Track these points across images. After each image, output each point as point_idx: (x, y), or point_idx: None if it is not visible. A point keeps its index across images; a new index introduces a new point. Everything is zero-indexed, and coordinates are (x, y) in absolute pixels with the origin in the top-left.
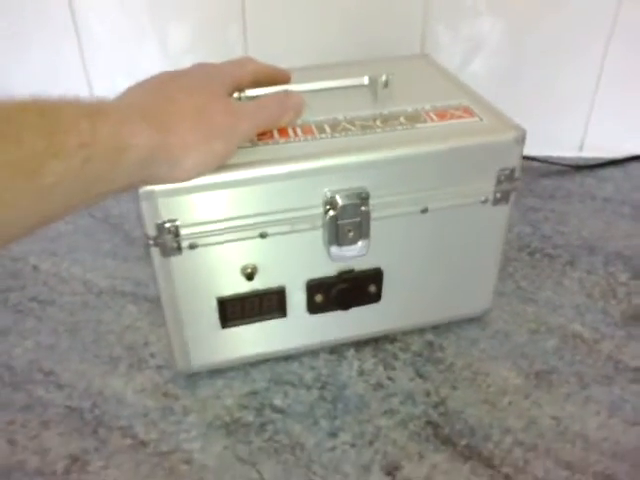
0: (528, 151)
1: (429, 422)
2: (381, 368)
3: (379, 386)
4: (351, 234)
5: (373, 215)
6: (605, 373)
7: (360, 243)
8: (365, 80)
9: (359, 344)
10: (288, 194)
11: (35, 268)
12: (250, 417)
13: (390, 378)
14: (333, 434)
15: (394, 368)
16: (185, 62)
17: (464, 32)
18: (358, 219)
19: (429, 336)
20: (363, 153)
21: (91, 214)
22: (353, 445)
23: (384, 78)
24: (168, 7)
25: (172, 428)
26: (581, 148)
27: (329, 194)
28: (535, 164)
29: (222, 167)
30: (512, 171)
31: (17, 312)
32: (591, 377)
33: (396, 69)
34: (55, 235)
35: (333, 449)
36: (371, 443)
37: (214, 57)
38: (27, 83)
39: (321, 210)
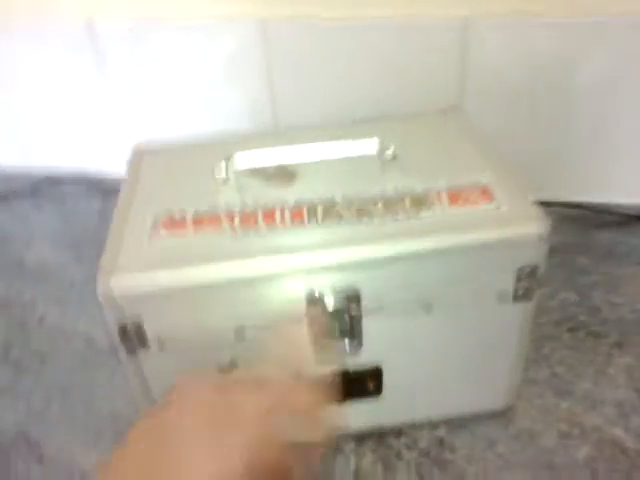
0: (581, 198)
1: None
2: (380, 469)
3: None
4: (339, 337)
5: (368, 313)
6: None
7: (349, 346)
8: (374, 149)
9: (361, 437)
10: (267, 294)
11: (41, 320)
12: None
13: None
14: None
15: (395, 470)
16: None
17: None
18: (347, 322)
19: (441, 431)
20: (354, 249)
21: None
22: None
23: (392, 150)
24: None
25: None
26: None
27: (315, 294)
28: (589, 214)
29: (190, 262)
30: (534, 269)
31: (17, 368)
32: None
33: (416, 131)
34: (69, 282)
35: None
36: None
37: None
38: None
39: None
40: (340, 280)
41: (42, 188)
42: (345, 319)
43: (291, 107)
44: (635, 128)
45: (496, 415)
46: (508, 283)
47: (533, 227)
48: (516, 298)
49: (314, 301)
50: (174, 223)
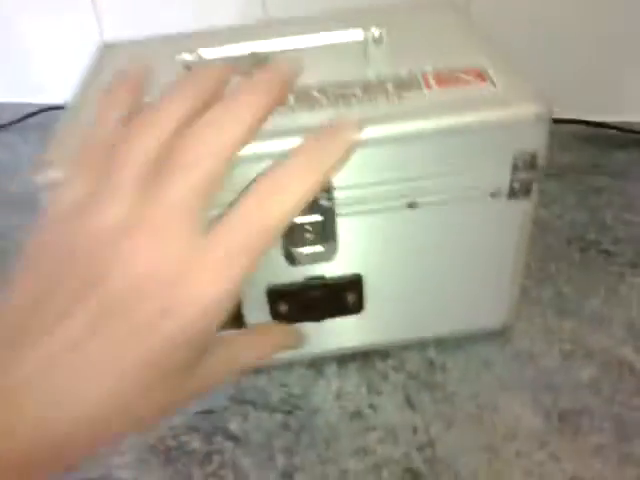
0: (598, 116)
1: (409, 470)
2: (364, 391)
3: (357, 415)
4: (310, 236)
5: (343, 210)
6: None
7: (323, 247)
8: (359, 36)
9: (344, 359)
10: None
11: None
12: (197, 443)
13: (372, 406)
14: (288, 474)
15: (380, 392)
16: None
17: None
18: (319, 217)
19: (431, 353)
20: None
21: None
22: None
23: (377, 33)
24: None
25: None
26: None
27: None
28: (607, 132)
29: None
30: (533, 156)
31: None
32: (636, 425)
33: (408, 20)
34: None
35: None
36: None
37: None
38: None
39: None
40: None
41: (31, 119)
42: (316, 214)
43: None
44: None
45: (493, 335)
46: (503, 175)
47: (531, 107)
48: (512, 193)
49: None
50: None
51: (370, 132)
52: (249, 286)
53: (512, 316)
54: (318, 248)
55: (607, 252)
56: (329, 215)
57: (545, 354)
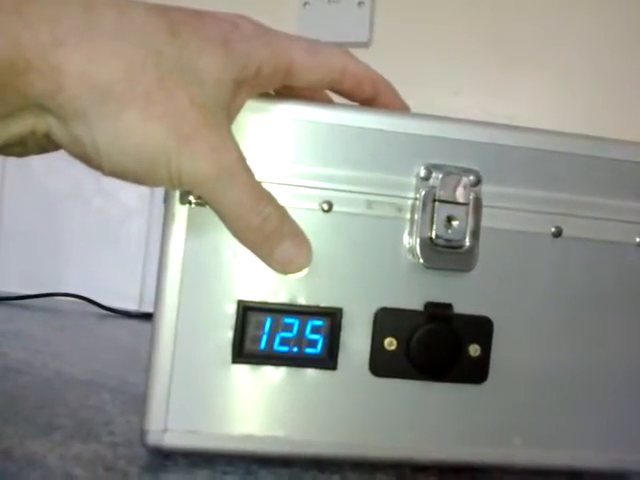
0: None
1: None
2: None
3: None
4: (455, 225)
5: (488, 221)
6: None
7: (467, 244)
8: None
9: (443, 469)
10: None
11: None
12: None
13: None
14: None
15: None
16: None
17: None
18: (465, 204)
19: None
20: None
21: None
22: None
23: None
24: None
25: None
26: None
27: (424, 169)
28: None
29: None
30: None
31: None
32: None
33: None
34: None
35: None
36: None
37: None
38: None
39: (412, 186)
40: (455, 159)
41: None
42: (464, 202)
43: None
44: None
45: None
46: None
47: None
48: None
49: (424, 175)
50: None
51: (526, 140)
52: (353, 301)
53: None
54: (457, 241)
55: None
56: (476, 205)
57: None
